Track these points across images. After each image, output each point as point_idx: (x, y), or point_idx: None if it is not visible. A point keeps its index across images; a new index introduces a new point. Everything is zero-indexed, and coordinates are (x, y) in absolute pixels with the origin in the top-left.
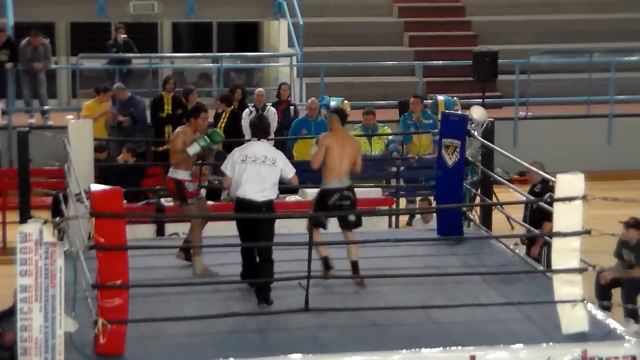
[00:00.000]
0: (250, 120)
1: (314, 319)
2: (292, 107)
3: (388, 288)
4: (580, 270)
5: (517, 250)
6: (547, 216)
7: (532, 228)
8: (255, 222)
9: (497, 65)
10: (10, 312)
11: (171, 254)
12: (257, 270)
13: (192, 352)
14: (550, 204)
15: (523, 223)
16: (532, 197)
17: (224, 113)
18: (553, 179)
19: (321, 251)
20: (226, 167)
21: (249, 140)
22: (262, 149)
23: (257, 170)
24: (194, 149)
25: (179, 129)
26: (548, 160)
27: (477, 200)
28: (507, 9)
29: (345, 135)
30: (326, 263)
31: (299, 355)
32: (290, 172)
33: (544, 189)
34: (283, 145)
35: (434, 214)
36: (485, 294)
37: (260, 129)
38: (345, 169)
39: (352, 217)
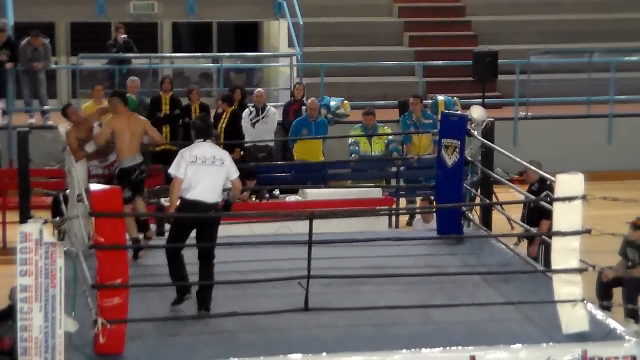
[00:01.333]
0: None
1: (314, 319)
2: (304, 107)
3: (388, 288)
4: (580, 270)
5: (517, 250)
6: (545, 214)
7: (529, 227)
8: (202, 224)
9: (497, 65)
10: (6, 315)
11: None
12: (200, 272)
13: (192, 352)
14: (549, 203)
15: (522, 223)
16: (531, 197)
17: (225, 113)
18: (550, 177)
19: (131, 232)
20: (178, 169)
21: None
22: (210, 149)
23: (209, 172)
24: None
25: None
26: (548, 160)
27: (477, 200)
28: (507, 9)
29: (130, 116)
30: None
31: (299, 355)
32: (234, 173)
33: (540, 188)
34: (284, 145)
35: (434, 214)
36: (485, 293)
37: (203, 130)
38: (135, 147)
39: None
